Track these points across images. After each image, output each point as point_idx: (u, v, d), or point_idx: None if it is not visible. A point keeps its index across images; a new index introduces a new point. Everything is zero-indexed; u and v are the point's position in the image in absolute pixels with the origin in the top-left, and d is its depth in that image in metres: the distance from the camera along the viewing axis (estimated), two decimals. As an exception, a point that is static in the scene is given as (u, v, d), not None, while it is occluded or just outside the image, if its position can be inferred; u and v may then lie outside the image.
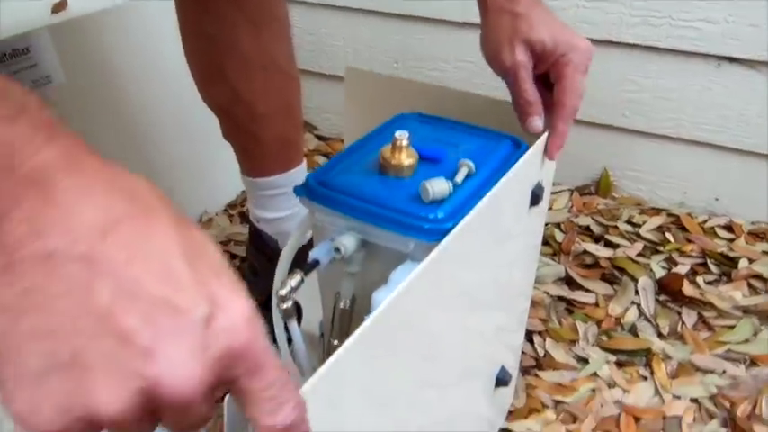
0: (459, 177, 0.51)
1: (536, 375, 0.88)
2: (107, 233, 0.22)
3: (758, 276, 1.01)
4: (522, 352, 0.86)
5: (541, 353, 0.91)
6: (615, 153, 1.19)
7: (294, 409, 0.27)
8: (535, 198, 0.60)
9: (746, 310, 0.95)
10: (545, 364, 0.89)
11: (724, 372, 0.87)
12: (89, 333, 0.22)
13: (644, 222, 1.13)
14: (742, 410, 0.81)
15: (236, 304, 0.24)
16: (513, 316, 0.72)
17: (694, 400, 0.83)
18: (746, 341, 0.91)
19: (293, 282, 0.46)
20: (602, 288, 1.00)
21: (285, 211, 0.91)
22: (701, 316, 0.95)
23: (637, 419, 0.81)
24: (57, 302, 0.22)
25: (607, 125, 1.17)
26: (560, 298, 0.99)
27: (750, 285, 1.00)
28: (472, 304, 0.54)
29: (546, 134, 0.57)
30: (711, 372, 0.87)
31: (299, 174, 0.89)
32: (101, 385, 0.22)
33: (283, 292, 0.46)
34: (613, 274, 1.03)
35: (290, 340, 0.51)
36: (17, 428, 0.22)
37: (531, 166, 0.56)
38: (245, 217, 1.19)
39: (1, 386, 0.22)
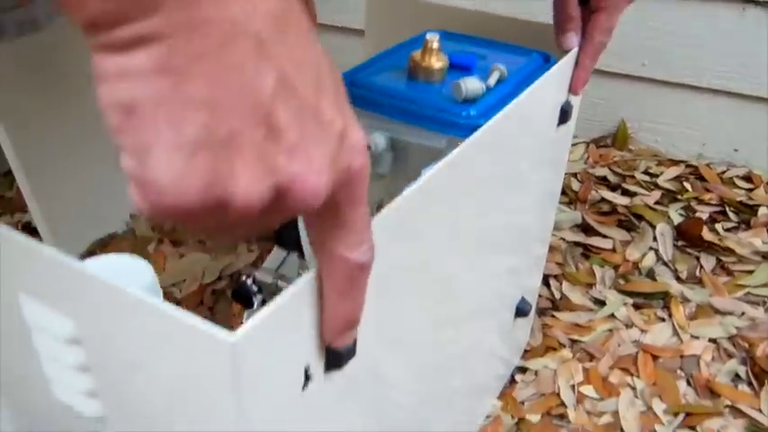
0: (492, 80, 0.50)
1: (552, 316, 0.87)
2: (279, 24, 0.22)
3: (777, 224, 1.00)
4: (539, 295, 0.85)
5: (558, 295, 0.90)
6: (633, 104, 1.18)
7: (370, 250, 0.28)
8: (564, 115, 0.59)
9: (766, 256, 0.94)
10: (561, 306, 0.89)
11: (743, 314, 0.86)
12: (246, 116, 0.21)
13: (661, 173, 1.12)
14: (761, 350, 0.80)
15: (359, 131, 0.25)
16: (535, 245, 0.71)
17: (713, 341, 0.83)
18: (765, 285, 0.90)
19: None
20: (620, 234, 1.00)
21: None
22: (719, 261, 0.94)
23: (654, 358, 0.81)
24: (226, 75, 0.21)
25: (625, 74, 1.15)
26: (577, 243, 0.98)
27: (769, 233, 0.99)
28: (496, 221, 0.53)
29: (575, 51, 0.56)
30: (730, 314, 0.86)
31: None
32: (245, 171, 0.22)
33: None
34: (630, 221, 1.02)
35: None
36: (137, 206, 0.22)
37: (561, 78, 0.55)
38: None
39: (141, 153, 0.21)
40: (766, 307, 0.87)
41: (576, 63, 0.57)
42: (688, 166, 1.14)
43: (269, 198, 0.23)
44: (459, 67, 0.52)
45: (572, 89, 0.58)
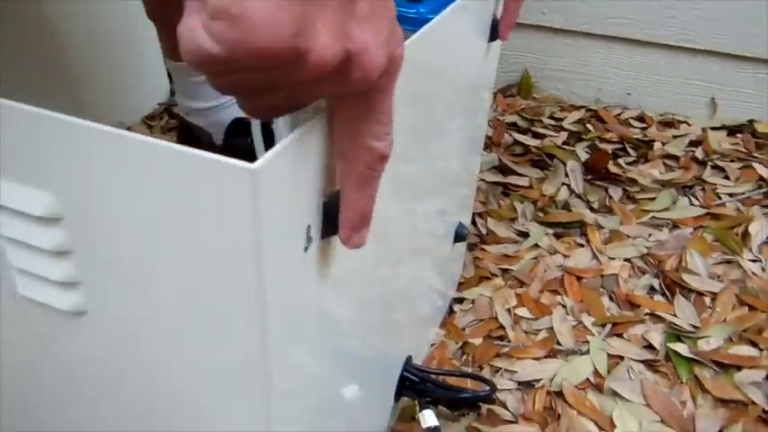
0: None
1: (482, 249, 0.90)
2: None
3: (671, 156, 1.08)
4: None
5: (484, 231, 0.94)
6: (535, 53, 1.23)
7: (392, 144, 0.29)
8: (494, 31, 0.61)
9: (664, 184, 1.02)
10: (489, 240, 0.92)
11: (650, 235, 0.93)
12: None
13: (565, 117, 1.18)
14: (670, 264, 0.87)
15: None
16: (466, 168, 0.73)
17: (627, 260, 0.89)
18: (667, 209, 0.98)
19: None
20: (534, 173, 1.05)
21: (220, 99, 0.87)
22: (625, 191, 1.01)
23: (579, 279, 0.86)
24: None
25: (527, 24, 1.20)
26: (496, 183, 1.02)
27: (665, 164, 1.07)
28: (429, 139, 0.54)
29: None
30: (639, 236, 0.93)
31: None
32: (324, 30, 0.23)
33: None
34: (543, 160, 1.07)
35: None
36: (211, 46, 0.22)
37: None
38: (165, 130, 1.13)
39: None
40: (670, 228, 0.95)
41: (504, 8, 0.59)
42: (588, 110, 1.21)
43: (338, 63, 0.24)
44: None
45: (501, 35, 0.60)
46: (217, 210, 0.26)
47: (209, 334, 0.30)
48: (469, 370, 0.73)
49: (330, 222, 0.32)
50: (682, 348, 0.74)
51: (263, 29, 0.21)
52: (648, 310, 0.81)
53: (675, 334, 0.77)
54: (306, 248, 0.31)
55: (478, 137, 0.74)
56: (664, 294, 0.83)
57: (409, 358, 0.63)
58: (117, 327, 0.32)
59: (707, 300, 0.82)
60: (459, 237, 0.73)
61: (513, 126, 1.16)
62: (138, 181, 0.27)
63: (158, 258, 0.29)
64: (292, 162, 0.27)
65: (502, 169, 1.05)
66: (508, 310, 0.81)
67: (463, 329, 0.78)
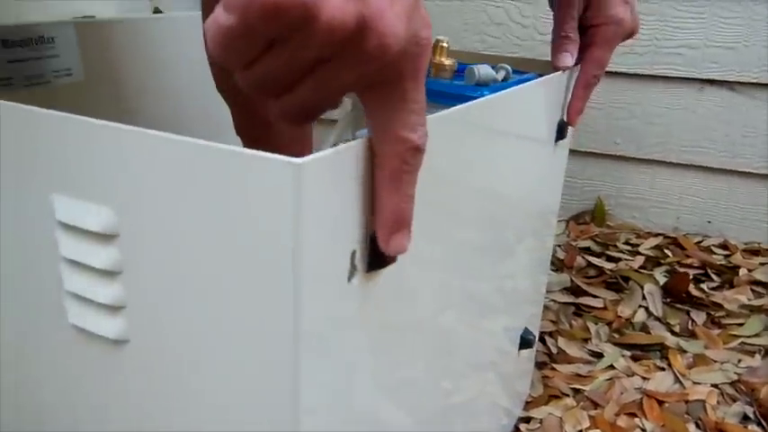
0: (500, 76, 0.53)
1: (552, 368, 0.85)
2: None
3: (759, 282, 1.02)
4: (536, 350, 0.84)
5: (554, 350, 0.89)
6: (608, 181, 1.23)
7: (426, 135, 0.29)
8: (560, 131, 0.62)
9: (753, 309, 0.95)
10: (559, 359, 0.87)
11: (740, 361, 0.85)
12: None
13: (641, 243, 1.15)
14: (765, 392, 0.79)
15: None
16: (533, 270, 0.71)
17: (715, 386, 0.81)
18: (758, 335, 0.90)
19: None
20: (609, 294, 1.00)
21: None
22: (709, 315, 0.95)
23: (660, 403, 0.79)
24: None
25: (599, 153, 1.21)
26: (568, 303, 0.99)
27: (753, 291, 1.01)
28: (491, 233, 0.53)
29: (569, 72, 0.60)
30: (728, 362, 0.85)
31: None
32: None
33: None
34: (618, 283, 1.03)
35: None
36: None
37: (558, 92, 0.59)
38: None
39: None
40: (762, 354, 0.87)
41: (572, 95, 0.60)
42: (666, 237, 1.18)
43: (352, 28, 0.24)
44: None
45: (569, 120, 0.61)
46: (261, 208, 0.26)
47: (244, 354, 0.29)
48: (537, 492, 0.66)
49: (379, 257, 0.32)
50: (784, 483, 0.65)
51: None
52: (742, 441, 0.72)
53: (775, 468, 0.68)
54: (350, 278, 0.31)
55: (546, 246, 0.72)
56: (759, 424, 0.75)
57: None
58: (157, 354, 0.32)
59: (810, 433, 0.73)
60: (525, 343, 0.70)
61: (587, 250, 1.14)
62: (185, 182, 0.28)
63: (202, 268, 0.29)
64: (340, 170, 0.28)
65: (574, 291, 1.02)
66: (580, 431, 0.74)
67: (531, 449, 0.72)
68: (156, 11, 1.18)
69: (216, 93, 0.87)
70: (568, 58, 0.60)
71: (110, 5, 1.22)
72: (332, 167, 0.27)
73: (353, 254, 0.30)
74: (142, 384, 0.34)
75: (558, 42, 0.60)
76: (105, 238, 0.31)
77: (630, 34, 0.59)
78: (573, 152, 1.23)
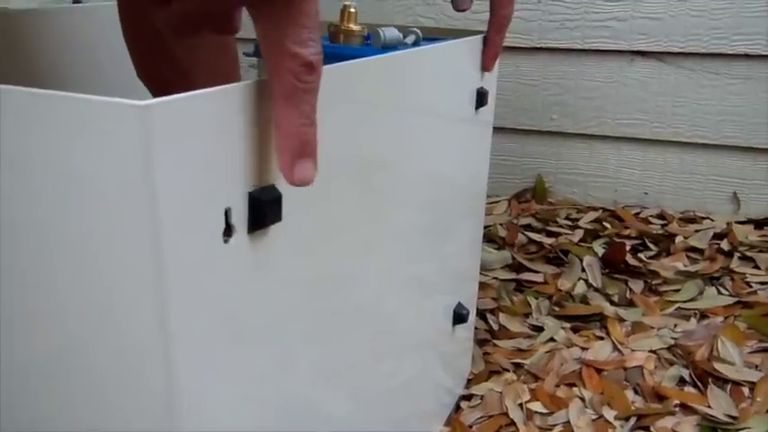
0: (408, 40, 0.52)
1: (493, 344, 0.85)
2: None
3: (695, 249, 1.03)
4: (475, 327, 0.83)
5: (496, 327, 0.88)
6: (548, 158, 1.23)
7: (319, 52, 0.28)
8: (481, 98, 0.61)
9: (689, 275, 0.97)
10: (500, 335, 0.86)
11: (676, 326, 0.86)
12: None
13: (581, 218, 1.16)
14: (700, 354, 0.80)
15: None
16: (464, 244, 0.70)
17: (653, 352, 0.82)
18: (694, 299, 0.91)
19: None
20: (549, 269, 1.00)
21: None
22: (647, 284, 0.96)
23: (599, 371, 0.79)
24: None
25: (537, 130, 1.22)
26: (509, 280, 0.98)
27: (688, 257, 1.02)
28: (412, 205, 0.52)
29: (480, 37, 0.59)
30: (665, 327, 0.86)
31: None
32: None
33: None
34: (558, 257, 1.03)
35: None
36: None
37: (472, 56, 0.57)
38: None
39: None
40: (698, 318, 0.88)
41: (485, 40, 0.59)
42: (605, 210, 1.19)
43: None
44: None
45: (484, 65, 0.60)
46: (109, 160, 0.24)
47: (108, 313, 0.27)
48: (476, 466, 0.66)
49: (258, 216, 0.30)
50: (718, 440, 0.66)
51: None
52: (679, 402, 0.73)
53: (711, 426, 0.69)
54: (225, 239, 0.29)
55: (477, 218, 0.71)
56: (695, 386, 0.76)
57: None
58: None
59: (745, 390, 0.74)
60: (458, 318, 0.69)
61: (528, 227, 1.14)
62: (31, 134, 0.25)
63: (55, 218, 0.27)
64: (207, 116, 0.26)
65: (515, 267, 1.01)
66: (520, 404, 0.74)
67: (470, 426, 0.71)
68: (76, 0, 1.13)
69: (137, 81, 0.83)
70: (467, 1, 0.59)
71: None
72: (194, 113, 0.25)
73: (228, 211, 0.28)
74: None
75: None
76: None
77: None
78: (511, 130, 1.23)
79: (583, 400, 0.74)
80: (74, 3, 1.14)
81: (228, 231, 0.29)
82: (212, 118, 0.26)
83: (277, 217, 0.31)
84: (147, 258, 0.25)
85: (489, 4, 0.59)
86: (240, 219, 0.29)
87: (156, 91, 0.83)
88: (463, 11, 0.58)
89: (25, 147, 0.26)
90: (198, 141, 0.26)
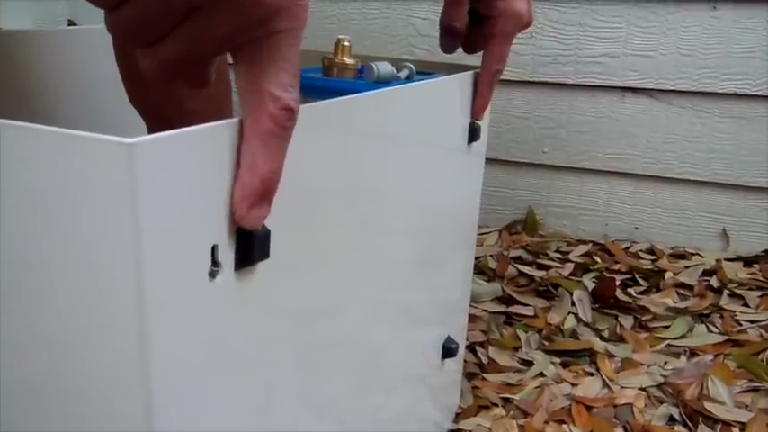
0: (402, 75, 0.52)
1: (482, 378, 0.84)
2: None
3: (684, 285, 1.04)
4: (464, 360, 0.83)
5: (485, 360, 0.88)
6: (539, 190, 1.24)
7: (297, 100, 0.28)
8: (473, 132, 0.61)
9: (678, 311, 0.96)
10: (490, 369, 0.86)
11: (666, 363, 0.86)
12: None
13: (572, 251, 1.16)
14: (690, 393, 0.79)
15: None
16: (454, 277, 0.69)
17: (642, 389, 0.81)
18: (683, 336, 0.91)
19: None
20: (539, 302, 1.00)
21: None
22: (636, 319, 0.95)
23: (588, 408, 0.78)
24: None
25: (528, 163, 1.22)
26: (499, 313, 0.98)
27: (678, 293, 1.02)
28: (403, 239, 0.51)
29: (473, 73, 0.59)
30: (654, 364, 0.86)
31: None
32: None
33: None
34: (548, 290, 1.03)
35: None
36: None
37: (465, 92, 0.58)
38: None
39: None
40: (688, 355, 0.87)
41: (475, 91, 0.59)
42: (595, 244, 1.19)
43: None
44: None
45: (473, 115, 0.60)
46: (95, 197, 0.24)
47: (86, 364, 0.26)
48: (463, 505, 0.64)
49: (246, 253, 0.30)
50: (708, 482, 0.65)
51: None
52: (668, 442, 0.72)
53: (700, 467, 0.68)
54: (212, 277, 0.28)
55: (467, 251, 0.71)
56: (685, 425, 0.75)
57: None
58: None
59: (735, 430, 0.73)
60: (447, 352, 0.68)
61: (518, 260, 1.13)
62: (20, 168, 0.25)
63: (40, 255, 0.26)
64: (193, 152, 0.25)
65: (505, 300, 1.01)
66: (509, 440, 0.73)
67: (459, 462, 0.70)
68: (71, 23, 1.14)
69: (130, 107, 0.83)
70: (451, 49, 0.59)
71: (27, 18, 1.18)
72: (180, 149, 0.25)
73: (215, 248, 0.28)
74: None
75: (446, 29, 0.58)
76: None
77: (526, 26, 0.59)
78: (503, 162, 1.24)
79: (572, 437, 0.73)
80: (69, 25, 1.14)
81: (215, 268, 0.28)
82: (200, 155, 0.26)
83: (265, 254, 0.31)
84: (130, 295, 0.24)
85: (482, 57, 0.60)
86: (227, 256, 0.29)
87: (149, 116, 0.83)
88: (449, 53, 0.58)
89: (12, 178, 0.25)
90: (185, 178, 0.25)
